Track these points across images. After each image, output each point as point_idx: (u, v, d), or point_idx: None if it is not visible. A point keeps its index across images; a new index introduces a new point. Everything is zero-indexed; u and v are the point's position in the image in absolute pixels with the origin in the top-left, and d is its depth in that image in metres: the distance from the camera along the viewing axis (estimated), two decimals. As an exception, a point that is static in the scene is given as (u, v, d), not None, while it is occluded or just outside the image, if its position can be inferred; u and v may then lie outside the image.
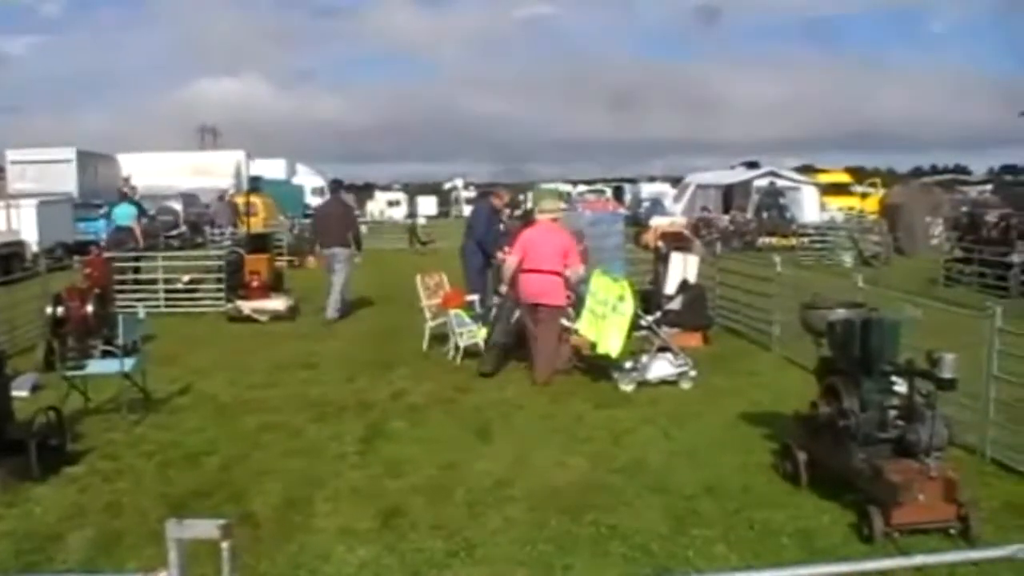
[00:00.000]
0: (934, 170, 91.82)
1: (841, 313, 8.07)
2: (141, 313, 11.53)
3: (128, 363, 10.29)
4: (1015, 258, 20.90)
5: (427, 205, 71.15)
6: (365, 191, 76.08)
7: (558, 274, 11.88)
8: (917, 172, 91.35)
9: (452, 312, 13.17)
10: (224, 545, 3.05)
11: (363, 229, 23.82)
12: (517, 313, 12.34)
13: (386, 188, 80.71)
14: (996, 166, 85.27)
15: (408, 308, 15.58)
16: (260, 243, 19.77)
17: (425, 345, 13.77)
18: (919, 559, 3.98)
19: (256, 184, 43.94)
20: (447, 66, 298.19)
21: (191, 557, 3.31)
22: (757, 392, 11.28)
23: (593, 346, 11.60)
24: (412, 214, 46.45)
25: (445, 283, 14.34)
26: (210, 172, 47.55)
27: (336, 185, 20.48)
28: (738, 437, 9.48)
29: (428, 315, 13.83)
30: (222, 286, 18.35)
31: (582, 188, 66.57)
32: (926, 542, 6.76)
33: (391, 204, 69.85)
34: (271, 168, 54.35)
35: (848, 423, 7.42)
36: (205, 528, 3.07)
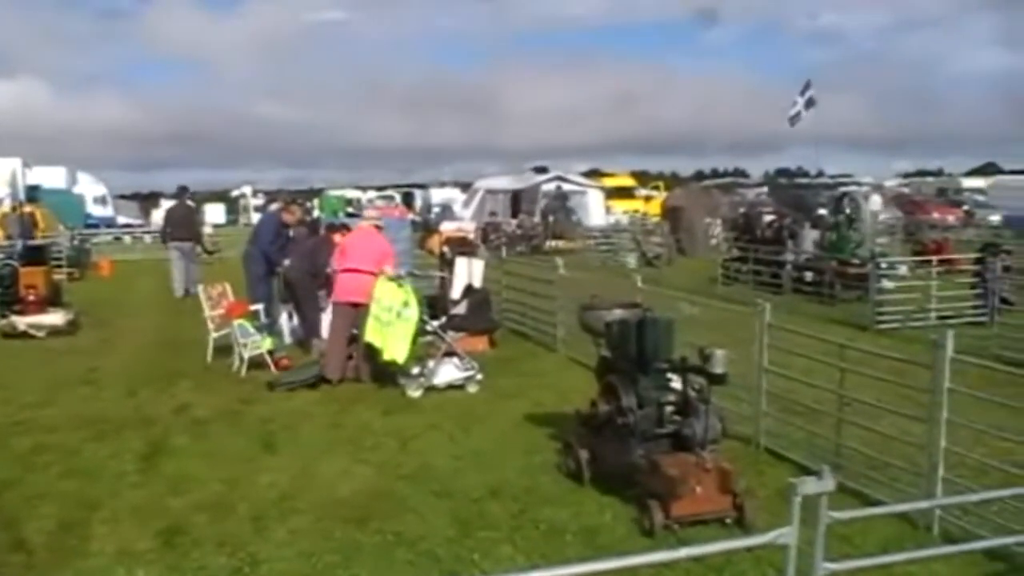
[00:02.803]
0: (714, 173, 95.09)
1: (617, 313, 8.30)
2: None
3: None
4: (788, 256, 21.83)
5: (215, 213, 69.20)
6: (150, 200, 73.48)
7: (375, 276, 12.03)
8: (699, 175, 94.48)
9: (236, 322, 12.93)
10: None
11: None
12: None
13: (173, 196, 78.28)
14: (771, 169, 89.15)
15: (192, 319, 15.19)
16: (37, 255, 18.95)
17: (209, 357, 13.46)
18: (684, 551, 4.13)
19: (34, 193, 42.04)
20: (234, 71, 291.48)
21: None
22: (542, 393, 11.49)
23: (379, 353, 11.57)
24: (199, 222, 45.06)
25: (229, 293, 14.05)
26: (-18, 181, 45.16)
27: (182, 191, 25.17)
28: (523, 438, 9.63)
29: (212, 326, 13.52)
30: (-6, 301, 17.49)
31: (372, 194, 66.15)
32: (704, 532, 7.01)
33: (177, 213, 67.77)
34: (50, 176, 51.79)
35: (626, 420, 7.64)
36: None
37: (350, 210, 41.38)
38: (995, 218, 42.57)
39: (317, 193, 63.44)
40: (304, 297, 14.05)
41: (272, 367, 12.57)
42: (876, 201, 33.50)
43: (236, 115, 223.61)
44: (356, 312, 11.99)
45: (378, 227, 13.09)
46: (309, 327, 13.86)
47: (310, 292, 13.92)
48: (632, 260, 28.40)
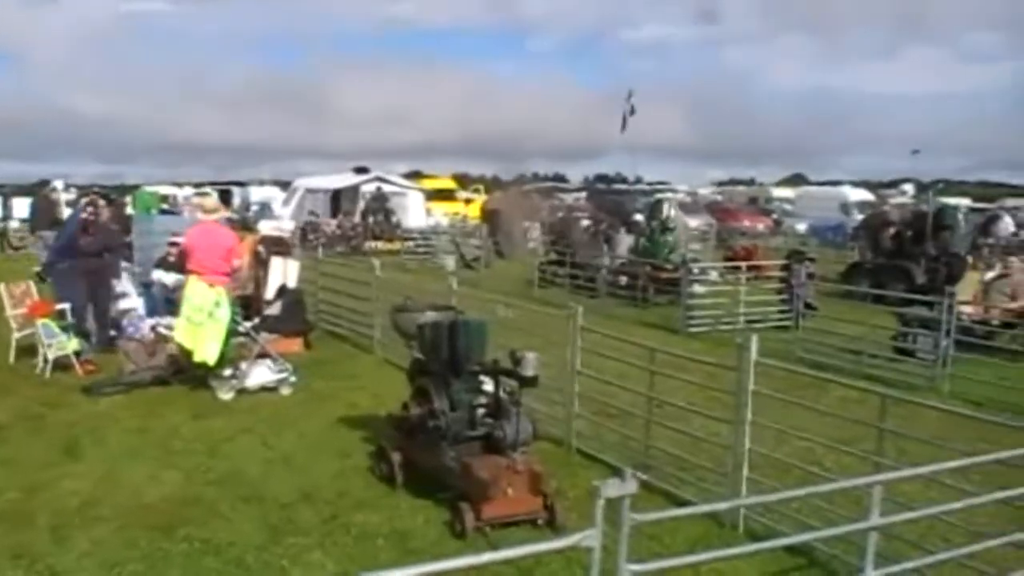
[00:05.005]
0: (535, 177, 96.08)
1: (430, 316, 8.32)
2: None
3: None
4: (604, 260, 22.21)
5: (23, 207, 66.38)
6: (-49, 192, 70.02)
7: (226, 275, 11.84)
8: (520, 179, 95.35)
9: (40, 322, 12.45)
10: None
11: None
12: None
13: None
14: (591, 175, 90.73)
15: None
16: None
17: (12, 358, 12.92)
18: (487, 556, 4.14)
19: None
20: (46, 60, 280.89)
21: None
22: (357, 395, 11.44)
23: (189, 354, 11.28)
24: (6, 217, 43.07)
25: (32, 291, 13.54)
26: None
27: (43, 184, 30.06)
28: (336, 442, 9.57)
29: (14, 325, 13.01)
30: None
31: (189, 191, 64.64)
32: (515, 534, 7.07)
33: (-18, 206, 64.85)
34: None
35: (438, 423, 7.69)
36: None
37: (165, 206, 40.43)
38: (801, 227, 44.17)
39: (131, 189, 61.67)
40: (95, 289, 13.60)
41: (78, 369, 12.17)
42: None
43: (47, 106, 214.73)
44: None
45: (217, 220, 12.71)
46: (104, 322, 13.48)
47: (103, 283, 13.53)
48: (451, 262, 28.41)
